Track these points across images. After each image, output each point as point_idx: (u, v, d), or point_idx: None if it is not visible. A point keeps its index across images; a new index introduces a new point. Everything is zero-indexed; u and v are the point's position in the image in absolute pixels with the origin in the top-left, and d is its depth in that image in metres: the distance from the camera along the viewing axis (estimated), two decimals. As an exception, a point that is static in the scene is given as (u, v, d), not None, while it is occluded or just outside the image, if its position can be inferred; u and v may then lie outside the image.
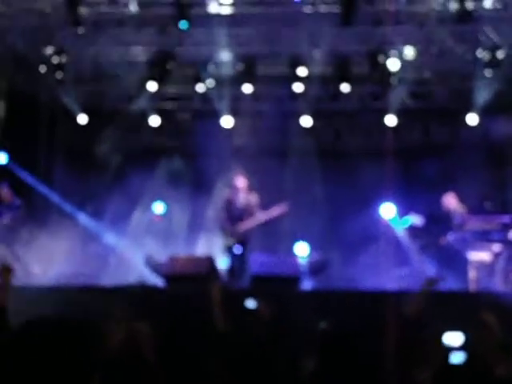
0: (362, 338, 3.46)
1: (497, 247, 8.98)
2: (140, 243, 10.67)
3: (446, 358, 2.66)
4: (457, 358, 2.77)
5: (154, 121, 11.74)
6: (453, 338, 2.88)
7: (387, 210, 10.53)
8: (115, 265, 10.31)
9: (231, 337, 4.00)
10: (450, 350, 2.84)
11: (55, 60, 10.52)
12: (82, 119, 11.66)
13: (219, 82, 11.09)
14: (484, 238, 9.01)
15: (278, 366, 3.68)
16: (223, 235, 9.11)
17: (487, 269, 8.98)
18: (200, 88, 11.15)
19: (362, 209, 10.82)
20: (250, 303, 4.46)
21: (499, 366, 2.76)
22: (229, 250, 9.05)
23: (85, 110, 11.65)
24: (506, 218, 9.13)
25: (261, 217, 9.08)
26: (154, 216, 11.31)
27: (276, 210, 9.09)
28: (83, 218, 10.91)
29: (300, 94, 11.07)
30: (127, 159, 11.70)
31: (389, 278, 9.38)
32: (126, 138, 11.93)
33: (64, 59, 10.56)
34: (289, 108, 11.59)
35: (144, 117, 11.64)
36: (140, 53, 10.61)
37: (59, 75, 10.65)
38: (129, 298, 6.72)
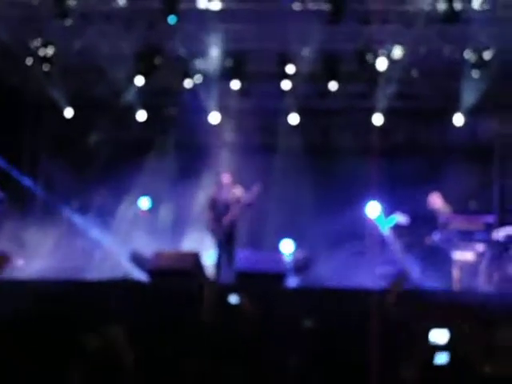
0: (346, 335, 3.47)
1: (480, 247, 9.06)
2: (126, 238, 10.64)
3: (432, 356, 2.67)
4: (441, 359, 2.78)
5: (141, 115, 11.68)
6: (438, 336, 2.90)
7: (373, 209, 10.56)
8: (100, 259, 10.27)
9: (215, 333, 3.99)
10: (436, 348, 2.85)
11: (42, 52, 10.45)
12: (69, 112, 11.58)
13: (207, 77, 11.06)
14: (468, 237, 9.08)
15: (262, 363, 3.68)
16: (211, 235, 9.12)
17: (471, 268, 9.06)
18: (188, 83, 11.11)
19: (347, 207, 10.85)
20: (233, 298, 4.45)
21: (484, 364, 2.78)
22: (217, 245, 9.05)
23: (71, 103, 11.57)
24: (489, 218, 9.21)
25: (240, 205, 9.05)
26: (139, 211, 11.27)
27: (250, 192, 9.04)
28: (68, 212, 10.85)
29: (288, 92, 11.07)
30: (114, 153, 11.63)
31: (373, 277, 9.42)
32: (113, 132, 11.87)
33: (51, 51, 10.48)
34: (276, 105, 11.58)
35: (131, 111, 11.58)
36: (128, 46, 10.55)
37: (46, 67, 10.58)
38: (112, 292, 6.69)
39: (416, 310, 3.16)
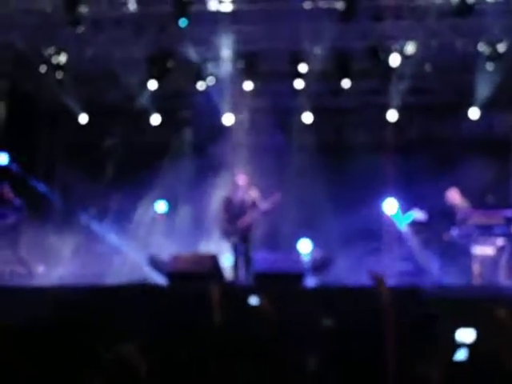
0: (364, 334, 3.44)
1: (500, 241, 8.97)
2: (144, 242, 10.67)
3: (456, 354, 2.64)
4: (461, 355, 2.75)
5: (155, 119, 11.72)
6: (465, 335, 2.86)
7: (390, 206, 10.51)
8: (119, 264, 10.31)
9: (232, 334, 3.98)
10: (461, 346, 2.81)
11: (55, 60, 10.51)
12: (83, 119, 11.66)
13: (220, 79, 11.07)
14: (487, 232, 9.00)
15: (281, 364, 3.67)
16: (223, 236, 9.07)
17: (491, 263, 8.97)
18: (201, 86, 11.13)
19: (364, 204, 10.80)
20: (253, 300, 4.44)
21: (510, 360, 2.73)
22: (233, 248, 9.02)
23: (85, 110, 11.64)
24: (508, 213, 9.11)
25: (257, 210, 9.02)
26: (157, 215, 11.30)
27: (269, 201, 9.01)
28: (86, 218, 10.90)
29: (301, 91, 11.05)
30: (129, 158, 11.68)
31: (392, 274, 9.37)
32: (128, 137, 11.92)
33: (64, 59, 10.55)
34: (290, 104, 11.56)
35: (145, 115, 11.63)
36: (139, 51, 10.59)
37: (59, 75, 10.64)
38: (131, 297, 6.71)
39: (440, 307, 3.13)
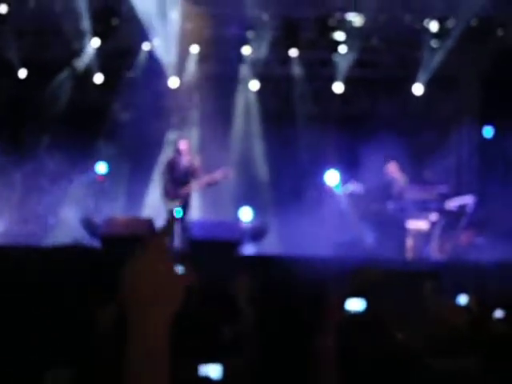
0: (297, 302, 3.46)
1: (434, 216, 9.18)
2: (81, 204, 10.48)
3: (348, 323, 2.72)
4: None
5: (98, 78, 11.42)
6: (354, 304, 2.96)
7: (331, 177, 10.58)
8: (54, 225, 10.13)
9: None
10: (352, 316, 2.90)
11: (-6, 11, 10.11)
12: (22, 73, 11.26)
13: (166, 40, 10.84)
14: (422, 207, 9.18)
15: (201, 332, 3.68)
16: (164, 199, 9.00)
17: (424, 237, 9.18)
18: (146, 46, 10.89)
19: (307, 175, 10.87)
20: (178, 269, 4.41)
21: (397, 331, 2.84)
22: (170, 213, 8.95)
23: (25, 64, 11.24)
24: (443, 188, 9.32)
25: (204, 180, 8.98)
26: (96, 176, 11.09)
27: (219, 174, 8.99)
28: (21, 176, 10.62)
29: (248, 58, 10.94)
30: (69, 117, 11.37)
31: (328, 245, 9.50)
32: (69, 95, 11.58)
33: (4, 10, 10.14)
34: (236, 71, 11.44)
35: (87, 73, 11.31)
36: (84, 6, 10.25)
37: (-2, 27, 10.25)
38: (64, 258, 6.61)
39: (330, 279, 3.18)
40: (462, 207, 9.25)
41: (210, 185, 9.11)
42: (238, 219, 10.52)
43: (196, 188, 9.10)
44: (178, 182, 8.97)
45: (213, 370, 2.77)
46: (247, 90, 11.47)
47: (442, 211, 9.15)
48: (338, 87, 11.31)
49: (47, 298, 4.71)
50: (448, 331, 2.74)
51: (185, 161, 9.04)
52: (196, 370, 2.78)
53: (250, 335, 3.44)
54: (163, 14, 10.45)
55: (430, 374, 2.71)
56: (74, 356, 3.07)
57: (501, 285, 5.18)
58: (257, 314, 3.54)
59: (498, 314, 3.80)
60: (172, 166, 9.05)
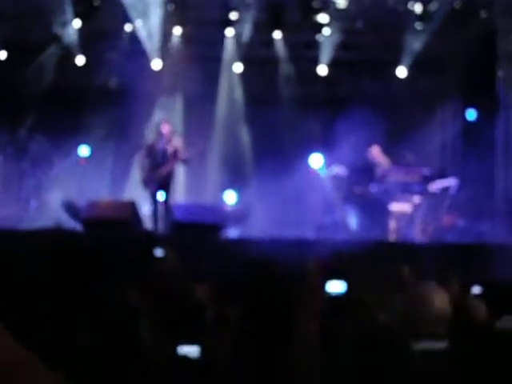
0: (279, 285, 3.45)
1: (417, 199, 9.22)
2: (63, 187, 10.39)
3: (329, 306, 2.72)
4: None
5: (80, 60, 11.27)
6: (335, 286, 2.96)
7: (316, 160, 10.57)
8: (36, 208, 10.05)
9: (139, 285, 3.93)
10: (333, 298, 2.91)
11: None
12: (2, 55, 11.09)
13: (149, 22, 10.71)
14: (405, 189, 9.22)
15: (182, 313, 3.67)
16: (143, 184, 8.92)
17: (407, 219, 9.23)
18: (128, 27, 10.76)
19: (291, 157, 10.84)
20: (158, 252, 4.39)
21: (379, 314, 2.86)
22: (152, 196, 8.90)
23: (5, 46, 11.06)
24: (426, 171, 9.35)
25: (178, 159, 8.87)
26: (79, 159, 10.99)
27: (188, 150, 8.89)
28: (3, 159, 10.50)
29: (231, 39, 10.85)
30: (51, 99, 11.22)
31: (311, 228, 9.51)
32: (51, 77, 11.42)
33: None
34: (220, 53, 11.34)
35: (69, 55, 11.16)
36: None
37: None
38: (45, 242, 6.55)
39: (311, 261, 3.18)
40: (444, 190, 9.29)
41: (183, 162, 8.95)
42: (222, 202, 10.50)
43: (172, 167, 8.93)
44: (158, 166, 8.87)
45: (192, 350, 2.76)
46: (231, 72, 11.38)
47: (426, 194, 9.19)
48: (323, 69, 11.27)
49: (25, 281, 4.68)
50: (428, 313, 2.75)
51: (164, 144, 8.94)
52: (175, 349, 2.77)
53: (231, 320, 3.44)
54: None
55: (410, 356, 2.72)
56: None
57: (479, 263, 5.23)
58: (238, 299, 3.53)
59: (476, 289, 3.86)
60: (151, 150, 8.96)
